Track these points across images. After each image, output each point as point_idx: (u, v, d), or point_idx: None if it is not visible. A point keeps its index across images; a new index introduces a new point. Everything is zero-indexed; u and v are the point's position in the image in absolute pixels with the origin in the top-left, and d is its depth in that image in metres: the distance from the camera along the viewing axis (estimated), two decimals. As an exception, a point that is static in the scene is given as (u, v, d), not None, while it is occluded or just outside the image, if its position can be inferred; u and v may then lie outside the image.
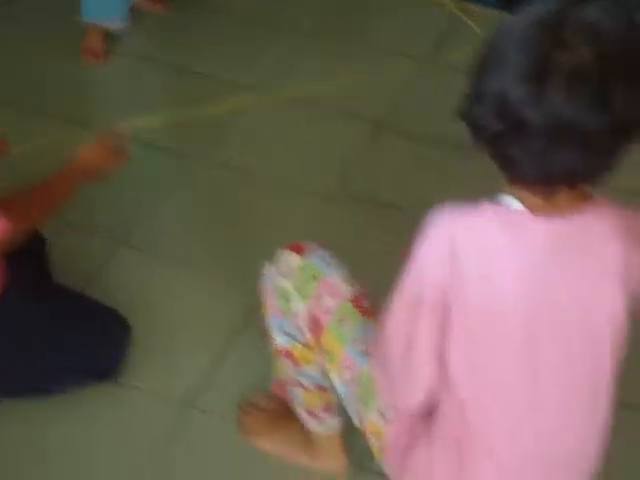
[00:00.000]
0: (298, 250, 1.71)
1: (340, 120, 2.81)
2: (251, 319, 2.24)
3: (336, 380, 1.70)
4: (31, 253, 2.13)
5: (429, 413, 1.53)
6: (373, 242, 2.40)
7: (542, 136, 1.20)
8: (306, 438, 1.96)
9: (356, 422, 1.71)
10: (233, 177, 2.65)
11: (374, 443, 1.67)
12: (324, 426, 1.90)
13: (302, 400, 1.85)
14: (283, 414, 2.02)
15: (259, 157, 2.70)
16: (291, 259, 1.70)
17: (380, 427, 1.64)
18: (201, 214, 2.54)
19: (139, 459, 2.02)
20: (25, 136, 2.43)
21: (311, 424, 1.90)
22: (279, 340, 1.79)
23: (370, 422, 1.66)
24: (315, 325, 1.68)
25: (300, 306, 1.69)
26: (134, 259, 2.42)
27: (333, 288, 1.68)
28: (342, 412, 1.85)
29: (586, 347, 1.39)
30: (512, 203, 1.32)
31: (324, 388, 1.82)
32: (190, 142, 2.73)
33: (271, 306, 1.76)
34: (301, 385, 1.82)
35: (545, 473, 1.50)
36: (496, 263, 1.32)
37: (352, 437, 1.95)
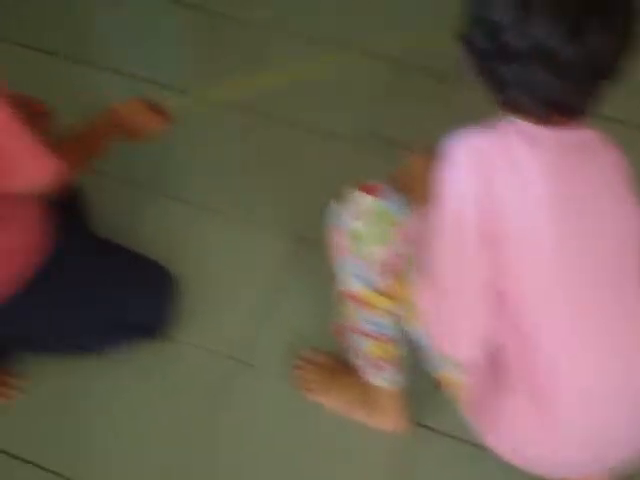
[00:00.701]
0: (370, 191, 1.63)
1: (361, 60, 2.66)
2: (298, 267, 2.17)
3: (413, 329, 1.63)
4: (74, 208, 2.07)
5: (495, 364, 1.49)
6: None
7: (522, 60, 1.30)
8: (364, 393, 1.89)
9: (432, 372, 1.65)
10: (262, 122, 2.51)
11: (453, 394, 1.62)
12: (385, 379, 1.82)
13: (364, 348, 1.78)
14: (340, 369, 1.97)
15: (285, 102, 2.54)
16: (363, 200, 1.62)
17: (455, 379, 1.59)
18: (233, 162, 2.42)
19: (188, 416, 1.95)
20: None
21: (372, 376, 1.82)
22: (347, 283, 1.70)
23: (445, 373, 1.60)
24: (392, 271, 1.61)
25: (375, 250, 1.61)
26: (172, 209, 2.32)
27: (406, 234, 1.60)
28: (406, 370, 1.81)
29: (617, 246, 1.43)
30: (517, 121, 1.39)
31: (389, 338, 1.74)
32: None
33: (340, 248, 1.67)
34: (365, 332, 1.74)
35: (629, 409, 1.47)
36: (525, 173, 1.36)
37: (411, 393, 1.89)
